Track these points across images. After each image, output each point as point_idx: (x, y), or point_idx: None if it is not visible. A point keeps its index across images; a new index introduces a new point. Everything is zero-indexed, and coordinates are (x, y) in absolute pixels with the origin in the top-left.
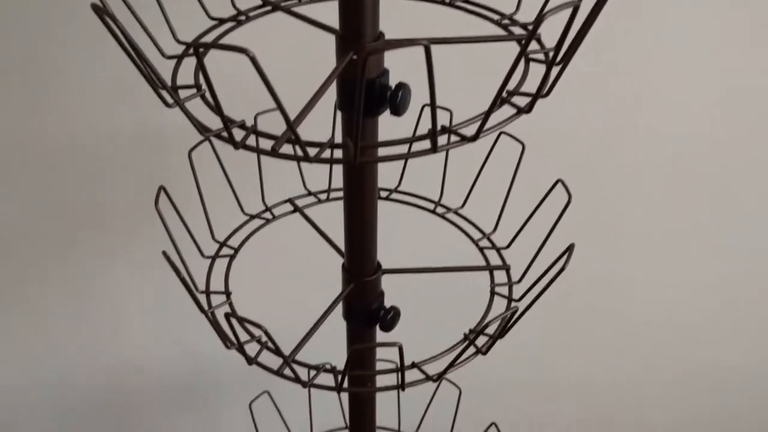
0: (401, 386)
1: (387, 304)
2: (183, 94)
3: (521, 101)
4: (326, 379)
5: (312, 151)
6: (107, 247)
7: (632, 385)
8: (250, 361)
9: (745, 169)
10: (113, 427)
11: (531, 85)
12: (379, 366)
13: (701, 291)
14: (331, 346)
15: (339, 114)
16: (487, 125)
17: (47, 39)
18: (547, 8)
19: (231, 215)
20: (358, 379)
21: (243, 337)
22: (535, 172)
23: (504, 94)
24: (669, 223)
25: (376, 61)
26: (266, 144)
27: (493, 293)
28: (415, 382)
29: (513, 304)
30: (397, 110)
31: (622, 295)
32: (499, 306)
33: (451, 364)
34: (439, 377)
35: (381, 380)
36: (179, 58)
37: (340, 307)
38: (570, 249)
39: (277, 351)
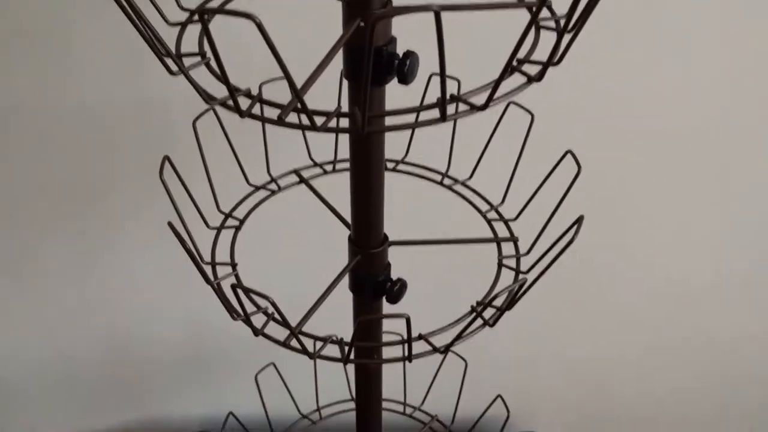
0: (408, 358)
1: (394, 276)
2: (187, 62)
3: (531, 70)
4: (332, 350)
5: (319, 121)
6: (113, 217)
7: (638, 358)
8: (257, 332)
9: (755, 138)
10: (119, 398)
11: (541, 54)
12: (386, 338)
13: (708, 264)
14: (338, 318)
15: (345, 83)
16: (497, 94)
17: (50, 6)
18: None
19: (236, 186)
20: (365, 350)
21: (249, 308)
22: (544, 143)
23: (514, 63)
24: (678, 195)
25: (384, 28)
26: (272, 113)
27: (500, 265)
28: (421, 353)
29: (521, 276)
30: (405, 79)
31: (629, 268)
32: (507, 278)
33: (458, 336)
34: (446, 349)
35: (387, 352)
36: (183, 25)
37: (346, 279)
38: (579, 221)
39: (283, 322)
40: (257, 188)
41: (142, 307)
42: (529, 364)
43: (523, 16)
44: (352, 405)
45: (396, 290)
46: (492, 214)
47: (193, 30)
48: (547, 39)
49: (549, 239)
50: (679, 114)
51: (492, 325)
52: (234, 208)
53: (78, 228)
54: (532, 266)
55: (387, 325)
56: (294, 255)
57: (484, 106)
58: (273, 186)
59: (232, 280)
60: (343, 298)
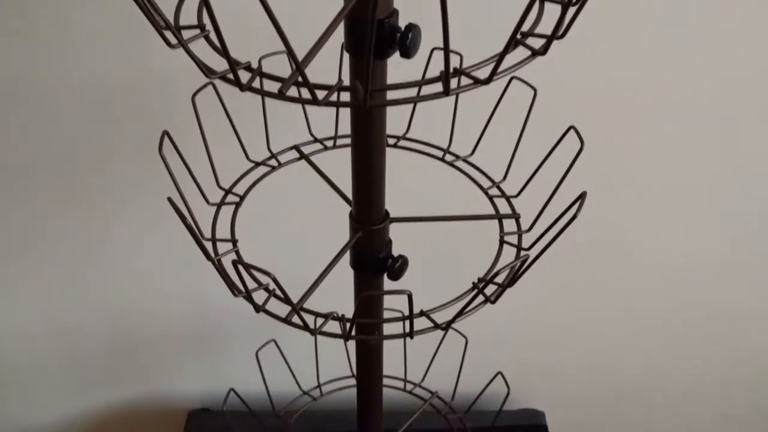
0: (409, 334)
1: (395, 252)
2: (186, 34)
3: (536, 44)
4: (334, 327)
5: (320, 95)
6: (114, 193)
7: (639, 333)
8: (258, 308)
9: (760, 113)
10: (120, 374)
11: (546, 28)
12: (386, 315)
13: (710, 238)
14: (339, 295)
15: (346, 57)
16: (501, 68)
17: None
18: None
19: (236, 162)
20: (366, 327)
21: (250, 285)
22: (546, 119)
23: (518, 36)
24: (681, 171)
25: (386, 0)
26: (272, 87)
27: (502, 242)
28: (422, 330)
29: (522, 253)
30: (408, 52)
31: (631, 244)
32: (509, 255)
33: (460, 313)
34: (447, 326)
35: (388, 329)
36: None
37: (347, 256)
38: (582, 197)
39: (285, 299)
40: (257, 164)
41: (143, 283)
42: (529, 340)
43: None
44: (353, 381)
45: (397, 267)
46: (494, 191)
47: (193, 1)
48: (552, 12)
49: (551, 216)
50: (684, 90)
51: (493, 302)
52: (234, 184)
53: (78, 203)
54: (534, 243)
55: (388, 301)
56: (295, 231)
57: (487, 80)
58: (273, 162)
59: (233, 256)
60: (345, 274)
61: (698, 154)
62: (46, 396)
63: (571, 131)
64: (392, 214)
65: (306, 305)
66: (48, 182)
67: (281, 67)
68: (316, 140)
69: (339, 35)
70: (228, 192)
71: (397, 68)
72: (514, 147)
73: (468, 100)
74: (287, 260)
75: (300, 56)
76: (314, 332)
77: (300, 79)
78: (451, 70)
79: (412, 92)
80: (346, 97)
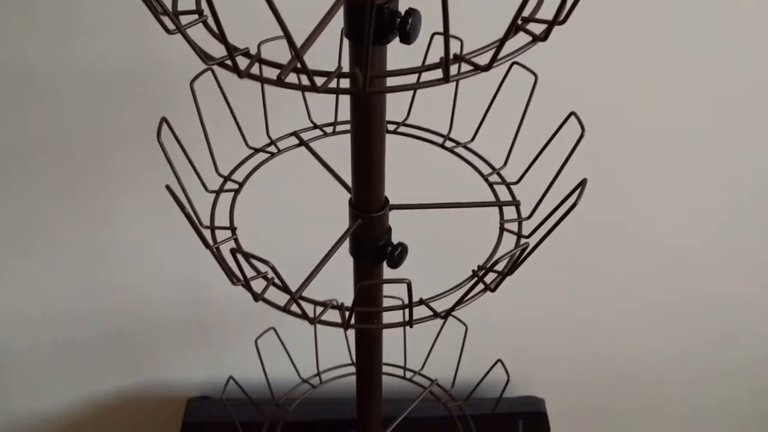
0: (409, 323)
1: (394, 240)
2: (185, 20)
3: (537, 29)
4: (333, 315)
5: (319, 81)
6: (114, 178)
7: (639, 318)
8: (257, 297)
9: (758, 102)
10: (119, 362)
11: (547, 13)
12: (386, 303)
13: (708, 224)
14: (338, 283)
15: (346, 43)
16: (501, 54)
17: None
18: None
19: (235, 149)
20: (365, 315)
21: (249, 273)
22: (547, 105)
23: (519, 22)
24: (680, 158)
25: None
26: (271, 74)
27: (502, 229)
28: (422, 318)
29: (522, 240)
30: (408, 38)
31: (629, 229)
32: (509, 242)
33: (459, 301)
34: (447, 314)
35: (388, 317)
36: None
37: (346, 244)
38: (582, 184)
39: (283, 287)
40: (256, 151)
41: (143, 270)
42: (529, 327)
43: None
44: (353, 369)
45: (397, 255)
46: (494, 178)
47: None
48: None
49: (552, 203)
50: (686, 76)
51: (493, 290)
52: (233, 171)
53: (78, 189)
54: (534, 230)
55: (387, 289)
56: (294, 218)
57: (488, 67)
58: (272, 148)
59: (232, 244)
60: (344, 262)
61: (700, 141)
62: (46, 383)
63: (572, 117)
64: (392, 201)
65: (305, 293)
66: (46, 169)
67: (281, 52)
68: (315, 126)
69: (340, 21)
70: (227, 179)
71: (398, 54)
72: (514, 133)
73: (468, 85)
74: (286, 248)
75: (300, 42)
76: (313, 321)
77: (299, 65)
78: (451, 56)
79: (411, 78)
80: (345, 83)
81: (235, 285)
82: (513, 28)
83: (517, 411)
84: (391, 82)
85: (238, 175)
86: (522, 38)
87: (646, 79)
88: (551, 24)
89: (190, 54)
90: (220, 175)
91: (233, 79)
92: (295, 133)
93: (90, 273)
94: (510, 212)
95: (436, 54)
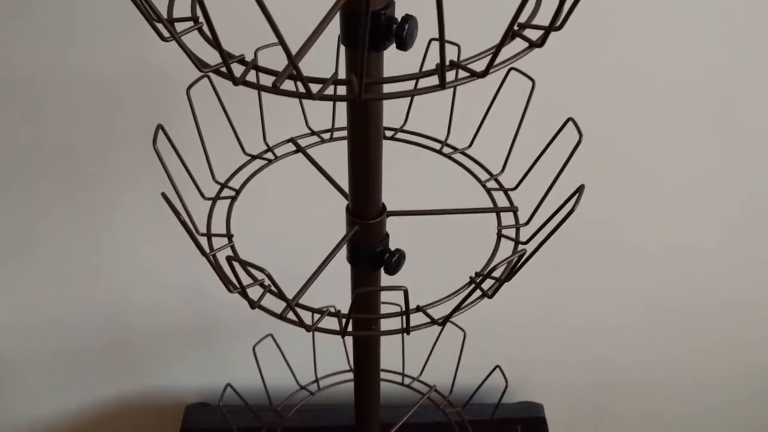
0: (406, 330)
1: (392, 246)
2: (180, 27)
3: (533, 35)
4: (330, 322)
5: (315, 88)
6: (111, 185)
7: (637, 323)
8: (253, 304)
9: (756, 103)
10: (116, 369)
11: (543, 19)
12: (384, 309)
13: (708, 229)
14: (335, 289)
15: (343, 49)
16: (498, 60)
17: None
18: None
19: (232, 155)
20: (363, 322)
21: (245, 280)
22: (545, 111)
23: (515, 27)
24: (680, 162)
25: None
26: (267, 80)
27: (500, 236)
28: (420, 325)
29: (520, 247)
30: (404, 44)
31: (628, 235)
32: (506, 248)
33: (457, 308)
34: (445, 321)
35: (385, 324)
36: None
37: (344, 250)
38: (580, 190)
39: (280, 295)
40: (253, 157)
41: (140, 277)
42: (527, 332)
43: None
44: (351, 376)
45: (394, 261)
46: (492, 184)
47: None
48: (549, 3)
49: (549, 209)
50: (683, 81)
51: (491, 297)
52: (230, 178)
53: (75, 196)
54: (532, 237)
55: (385, 295)
56: (291, 225)
57: (484, 73)
58: (269, 155)
59: (228, 251)
60: (342, 268)
61: (699, 144)
62: (43, 390)
63: (570, 123)
64: (389, 208)
65: (303, 299)
66: (43, 175)
67: (279, 59)
68: (312, 133)
69: (337, 27)
70: (224, 186)
71: (395, 57)
72: (512, 139)
73: (466, 91)
74: (284, 254)
75: (296, 47)
76: (310, 329)
77: (294, 72)
78: (448, 63)
79: (408, 85)
80: (342, 90)
81: (231, 293)
82: (509, 34)
83: (515, 416)
84: (387, 88)
85: (235, 182)
86: (519, 44)
87: (644, 83)
88: (548, 30)
89: (187, 60)
90: (217, 182)
91: (230, 85)
92: (292, 140)
93: (88, 281)
94: (508, 218)
95: (433, 60)
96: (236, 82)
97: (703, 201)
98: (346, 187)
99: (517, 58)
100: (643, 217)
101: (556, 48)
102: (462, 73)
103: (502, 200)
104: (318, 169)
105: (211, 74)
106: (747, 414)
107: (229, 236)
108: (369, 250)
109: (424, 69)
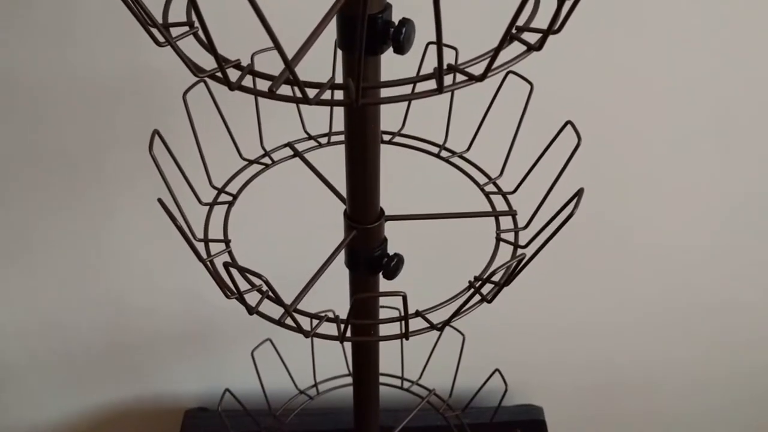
0: (405, 335)
1: (390, 251)
2: (175, 32)
3: (531, 39)
4: (329, 328)
5: (311, 93)
6: (109, 189)
7: (637, 325)
8: (251, 310)
9: (755, 106)
10: (115, 374)
11: (541, 22)
12: (382, 313)
13: (707, 231)
14: (333, 294)
15: (339, 53)
16: (496, 63)
17: None
18: None
19: (229, 160)
20: (362, 328)
21: (243, 286)
22: (543, 114)
23: (513, 31)
24: (678, 164)
25: None
26: (263, 85)
27: (498, 239)
28: (419, 330)
29: (519, 251)
30: (401, 48)
31: (627, 237)
32: (505, 252)
33: (456, 313)
34: (444, 326)
35: (384, 329)
36: None
37: (342, 255)
38: (579, 194)
39: (278, 300)
40: (250, 162)
41: (139, 282)
42: (527, 335)
43: None
44: (350, 380)
45: (393, 266)
46: (490, 187)
47: None
48: (548, 6)
49: (548, 212)
50: (682, 83)
51: (490, 301)
52: (227, 183)
53: (73, 201)
54: (531, 240)
55: (384, 299)
56: (289, 230)
57: (482, 77)
58: (266, 160)
59: (226, 257)
60: (340, 272)
61: (699, 146)
62: (42, 394)
63: (568, 127)
64: (387, 212)
65: (301, 304)
66: (42, 178)
67: (275, 63)
68: (310, 137)
69: (333, 30)
70: (221, 191)
71: (393, 61)
72: (510, 143)
73: (464, 95)
74: (281, 259)
75: (292, 52)
76: (308, 334)
77: (290, 77)
78: (445, 66)
79: (405, 89)
80: (339, 95)
81: (229, 299)
82: (507, 38)
83: (515, 419)
84: (385, 92)
85: (232, 187)
86: (517, 47)
87: (643, 85)
88: (546, 33)
89: (183, 65)
90: (214, 188)
91: (227, 89)
92: (289, 144)
93: (87, 284)
94: (506, 222)
95: (430, 63)
96: (232, 87)
97: (703, 201)
98: (343, 191)
99: (516, 62)
100: (643, 217)
101: (554, 50)
102: (460, 77)
103: (500, 204)
104: (315, 173)
105: (207, 79)
106: (748, 415)
107: (226, 241)
108: (367, 255)
109: (422, 72)
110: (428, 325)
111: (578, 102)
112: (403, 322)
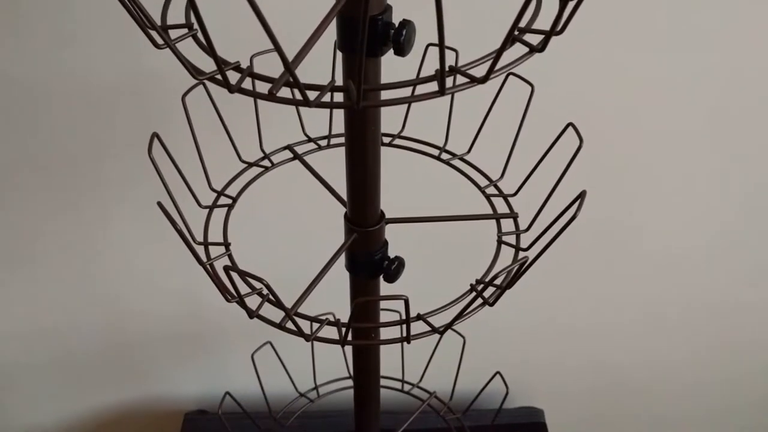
0: (406, 339)
1: (391, 253)
2: (174, 34)
3: (533, 40)
4: (330, 331)
5: (311, 95)
6: (108, 192)
7: (638, 327)
8: (252, 314)
9: (756, 108)
10: (115, 376)
11: (544, 23)
12: (383, 315)
13: (709, 233)
14: (334, 296)
15: (339, 55)
16: (498, 65)
17: None
18: None
19: (228, 163)
20: (362, 331)
21: (243, 289)
22: (544, 116)
23: (515, 32)
24: (679, 165)
25: None
26: (263, 87)
27: (500, 242)
28: (420, 334)
29: (521, 253)
30: (402, 49)
31: (628, 239)
32: (507, 255)
33: (458, 316)
34: (445, 329)
35: (385, 332)
36: None
37: (342, 258)
38: (581, 196)
39: (278, 304)
40: (250, 165)
41: (139, 284)
42: (527, 338)
43: None
44: (350, 383)
45: (393, 269)
46: (491, 190)
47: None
48: (550, 7)
49: (550, 215)
50: (684, 86)
51: (492, 305)
52: (226, 186)
53: (73, 203)
54: (533, 243)
55: (384, 302)
56: (289, 233)
57: (484, 79)
58: (266, 162)
59: (226, 260)
60: (341, 275)
61: (700, 148)
62: (42, 397)
63: (570, 128)
64: (388, 215)
65: (301, 309)
66: (41, 182)
67: (275, 65)
68: (309, 140)
69: (333, 33)
70: (220, 194)
71: (393, 63)
72: (511, 145)
73: (464, 96)
74: (281, 262)
75: (292, 54)
76: (309, 338)
77: (290, 79)
78: (447, 68)
79: (406, 91)
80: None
81: (229, 302)
82: (510, 39)
83: (516, 422)
84: (385, 95)
85: (232, 190)
86: (518, 48)
87: (645, 86)
88: (549, 34)
89: (182, 67)
90: (214, 190)
91: (226, 92)
92: (288, 147)
93: (86, 288)
94: (508, 225)
95: (430, 65)
96: (232, 89)
97: (704, 203)
98: (343, 194)
99: (518, 63)
100: (644, 219)
101: (554, 51)
102: (461, 79)
103: (502, 206)
104: (315, 176)
105: (206, 81)
106: (749, 417)
107: (226, 245)
108: (368, 258)
109: (422, 74)
110: (430, 329)
111: (579, 103)
112: (404, 325)
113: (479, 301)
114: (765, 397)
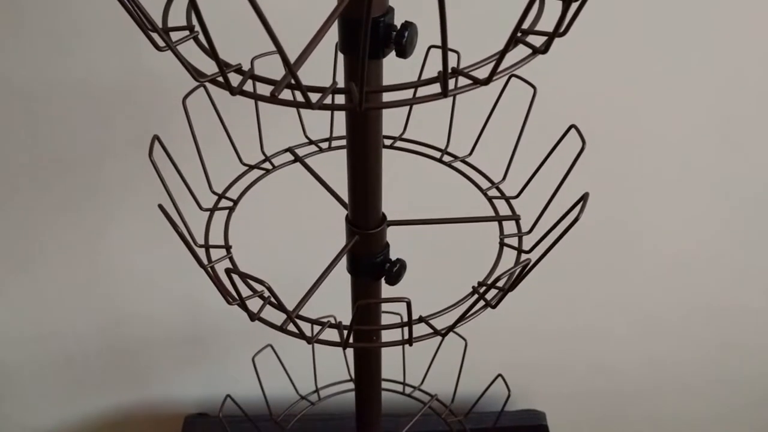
0: (408, 341)
1: (392, 256)
2: (175, 36)
3: (536, 42)
4: (331, 334)
5: (313, 97)
6: (109, 195)
7: (640, 330)
8: (253, 317)
9: (758, 110)
10: (116, 379)
11: (547, 25)
12: (384, 317)
13: (711, 236)
14: (335, 299)
15: (341, 57)
16: (501, 67)
17: None
18: None
19: (229, 165)
20: (364, 334)
21: (245, 292)
22: (547, 118)
23: (518, 34)
24: (680, 167)
25: None
26: (265, 90)
27: (502, 244)
28: (422, 336)
29: (523, 256)
30: (404, 51)
31: (631, 241)
32: (509, 257)
33: (461, 319)
34: (447, 332)
35: (387, 334)
36: None
37: (344, 261)
38: (584, 198)
39: (280, 306)
40: (251, 167)
41: (139, 287)
42: (529, 340)
43: None
44: (351, 386)
45: (395, 271)
46: (493, 192)
47: (181, 2)
48: (553, 9)
49: (552, 217)
50: (686, 88)
51: (494, 307)
52: (227, 189)
53: (73, 206)
54: (535, 245)
55: (386, 305)
56: (290, 235)
57: (487, 81)
58: (267, 165)
59: (227, 263)
60: (342, 277)
61: (701, 150)
62: (42, 401)
63: (572, 130)
64: (389, 217)
65: (303, 310)
66: (41, 185)
67: (276, 67)
68: (310, 142)
69: (335, 35)
70: (221, 197)
71: (395, 65)
72: (513, 147)
73: (466, 98)
74: (283, 265)
75: (294, 56)
76: (311, 341)
77: (292, 81)
78: (449, 70)
79: (408, 93)
80: (340, 99)
81: (230, 305)
82: (513, 41)
83: (518, 425)
84: (387, 97)
85: (233, 193)
86: (521, 50)
87: (647, 88)
88: (552, 36)
89: (183, 69)
90: (215, 193)
91: (227, 94)
92: (290, 149)
93: (86, 292)
94: (510, 227)
95: (432, 67)
96: (233, 92)
97: (706, 205)
98: (345, 196)
99: (521, 65)
100: (646, 222)
101: (557, 53)
102: (464, 81)
103: (504, 208)
104: (316, 178)
105: (207, 84)
106: (750, 419)
107: (227, 247)
108: (369, 261)
109: (424, 76)
110: (432, 331)
111: (581, 105)
112: (406, 327)
113: (481, 303)
114: (765, 399)
